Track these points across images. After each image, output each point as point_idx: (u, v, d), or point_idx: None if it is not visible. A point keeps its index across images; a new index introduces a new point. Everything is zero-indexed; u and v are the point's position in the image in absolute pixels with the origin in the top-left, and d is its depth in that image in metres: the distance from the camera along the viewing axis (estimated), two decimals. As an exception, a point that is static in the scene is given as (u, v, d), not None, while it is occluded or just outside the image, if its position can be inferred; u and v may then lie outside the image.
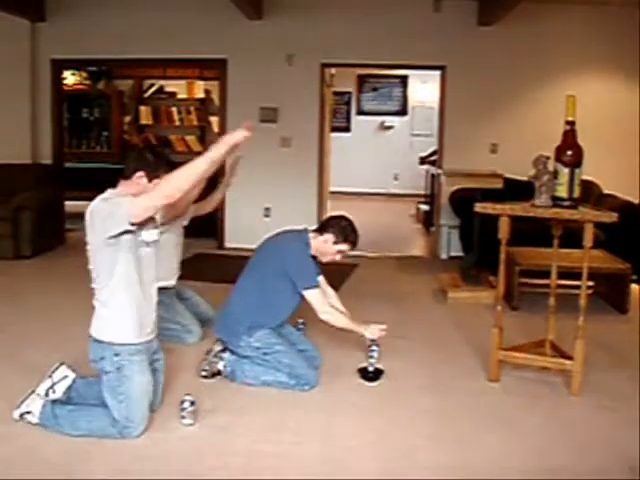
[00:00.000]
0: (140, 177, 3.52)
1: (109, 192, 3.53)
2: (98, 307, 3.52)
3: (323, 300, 4.27)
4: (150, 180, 3.51)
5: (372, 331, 4.32)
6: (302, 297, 4.27)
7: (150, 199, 3.30)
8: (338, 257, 4.39)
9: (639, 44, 7.83)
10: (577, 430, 3.72)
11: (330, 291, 4.59)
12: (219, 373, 4.27)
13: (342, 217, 4.46)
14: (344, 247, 4.36)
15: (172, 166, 3.55)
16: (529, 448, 3.48)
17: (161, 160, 3.62)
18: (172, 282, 5.03)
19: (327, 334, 4.70)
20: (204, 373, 4.27)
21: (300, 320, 4.92)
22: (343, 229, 4.35)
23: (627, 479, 3.21)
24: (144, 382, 3.50)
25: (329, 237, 4.33)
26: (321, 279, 4.47)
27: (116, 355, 3.44)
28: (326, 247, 4.34)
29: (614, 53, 8.11)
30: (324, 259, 4.41)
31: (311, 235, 4.37)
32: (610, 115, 8.17)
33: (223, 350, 4.33)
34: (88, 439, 3.41)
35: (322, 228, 4.40)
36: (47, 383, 3.64)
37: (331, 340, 4.78)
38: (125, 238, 3.37)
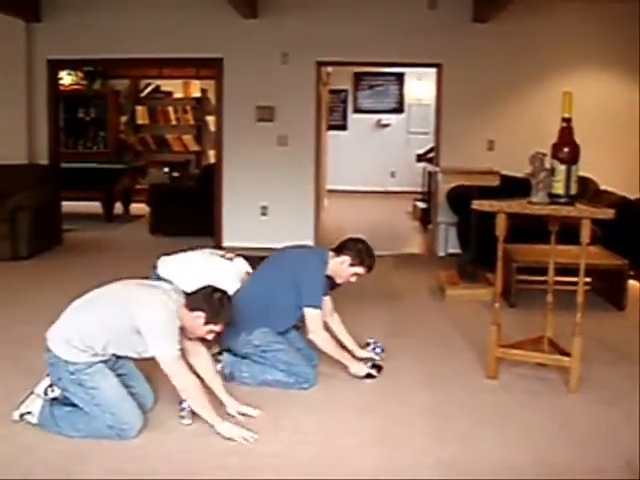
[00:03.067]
0: (199, 317, 3.55)
1: (179, 300, 3.57)
2: (66, 322, 3.57)
3: (319, 323, 4.27)
4: (206, 323, 3.55)
5: (357, 369, 4.32)
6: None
7: (174, 375, 3.45)
8: (353, 279, 4.42)
9: (639, 40, 7.84)
10: (575, 426, 3.73)
11: (335, 315, 4.59)
12: None
13: (360, 240, 4.47)
14: (360, 270, 4.37)
15: (233, 315, 3.71)
16: (527, 445, 3.49)
17: (224, 310, 3.62)
18: None
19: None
20: None
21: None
22: (360, 252, 4.37)
23: (625, 474, 3.21)
24: (113, 385, 3.51)
25: (346, 259, 4.34)
26: (327, 299, 4.49)
27: (72, 374, 3.45)
28: (342, 269, 4.36)
29: (611, 49, 8.13)
30: (339, 280, 4.43)
31: (330, 254, 4.39)
32: (606, 111, 8.17)
33: (220, 352, 4.34)
34: (87, 439, 3.42)
35: (339, 249, 4.40)
36: (45, 382, 3.64)
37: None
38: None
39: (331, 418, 3.79)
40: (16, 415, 3.56)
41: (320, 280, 4.31)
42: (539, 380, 4.33)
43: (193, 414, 3.59)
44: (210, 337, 3.66)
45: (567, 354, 4.18)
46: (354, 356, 4.44)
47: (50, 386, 3.63)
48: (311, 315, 4.23)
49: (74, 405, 3.53)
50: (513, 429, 3.67)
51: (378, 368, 4.40)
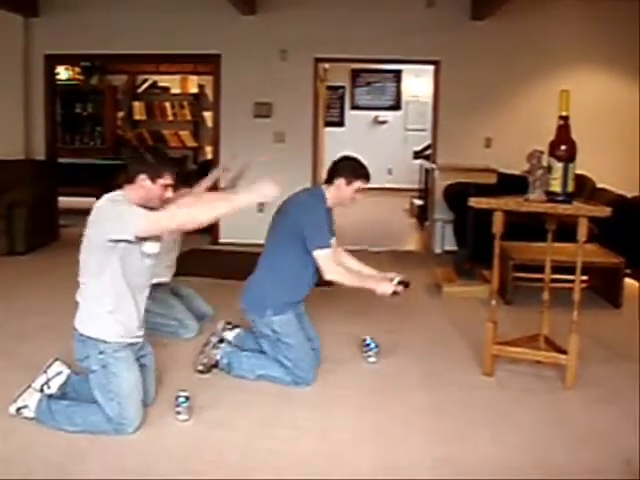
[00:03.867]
0: (143, 180, 3.49)
1: (117, 194, 3.51)
2: (82, 303, 3.53)
3: (331, 260, 4.15)
4: (153, 181, 3.50)
5: (384, 288, 4.20)
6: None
7: (164, 221, 3.35)
8: (357, 196, 4.29)
9: (639, 38, 7.85)
10: (572, 424, 3.74)
11: (340, 249, 4.50)
12: (216, 365, 4.26)
13: (344, 157, 4.37)
14: (358, 183, 4.25)
15: (174, 163, 3.60)
16: (524, 442, 3.49)
17: (162, 160, 3.58)
18: (167, 279, 5.03)
19: (324, 331, 4.69)
20: (201, 367, 4.27)
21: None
22: (350, 167, 4.27)
23: (622, 471, 3.23)
24: (132, 378, 3.50)
25: (340, 181, 4.23)
26: (333, 242, 4.36)
27: (101, 353, 3.45)
28: (341, 192, 4.25)
29: (609, 47, 8.13)
30: (346, 204, 4.31)
31: (324, 187, 4.31)
32: (604, 109, 8.19)
33: (220, 341, 4.34)
34: (84, 435, 3.41)
35: (330, 177, 4.29)
36: (42, 379, 3.64)
37: (327, 336, 4.77)
38: (122, 245, 3.38)
39: (329, 415, 3.79)
40: (12, 409, 3.56)
41: (321, 219, 4.19)
42: (535, 377, 4.34)
43: (189, 410, 3.60)
44: (169, 194, 3.56)
45: (563, 351, 4.19)
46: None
47: (46, 383, 3.63)
48: (321, 256, 4.10)
49: (72, 399, 3.55)
50: (510, 426, 3.68)
51: (405, 284, 4.29)
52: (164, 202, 3.58)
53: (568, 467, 3.27)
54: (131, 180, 3.52)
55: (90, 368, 3.49)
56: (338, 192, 4.26)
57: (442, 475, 3.18)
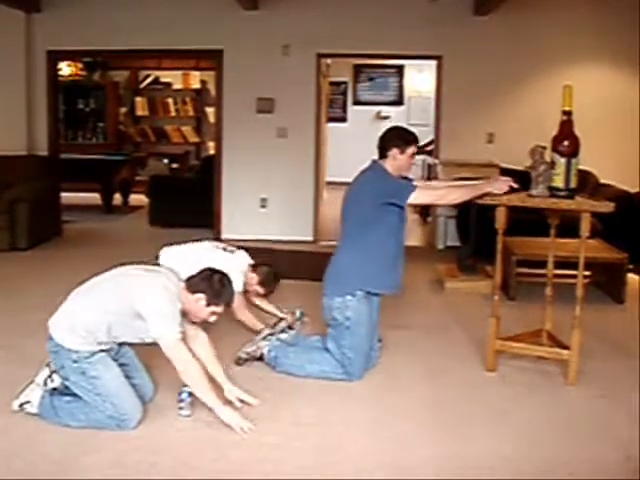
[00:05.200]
0: (200, 299, 3.55)
1: (179, 281, 3.60)
2: (66, 312, 3.57)
3: (428, 192, 4.24)
4: (207, 305, 3.56)
5: (499, 186, 4.11)
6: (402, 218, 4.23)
7: (176, 357, 3.42)
8: (413, 160, 4.30)
9: (639, 33, 7.84)
10: (573, 419, 3.74)
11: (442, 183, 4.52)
12: (261, 358, 4.29)
13: (389, 129, 4.37)
14: (411, 149, 4.25)
15: (232, 298, 3.78)
16: (525, 437, 3.50)
17: (225, 293, 3.64)
18: None
19: (323, 327, 4.69)
20: (244, 355, 4.30)
21: (299, 311, 4.95)
22: (399, 136, 4.27)
23: (623, 468, 3.22)
24: (114, 374, 3.52)
25: (394, 152, 4.21)
26: (422, 184, 4.42)
27: (75, 362, 3.45)
28: (397, 161, 4.23)
29: (612, 42, 8.10)
30: (405, 172, 4.30)
31: (381, 162, 4.29)
32: (607, 105, 8.16)
33: (272, 334, 4.37)
34: (86, 430, 3.42)
35: (383, 150, 4.26)
36: (45, 372, 3.65)
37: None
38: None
39: (331, 411, 3.80)
40: (15, 405, 3.57)
41: (393, 179, 4.20)
42: (538, 373, 4.34)
43: (192, 405, 3.61)
44: (212, 319, 3.65)
45: (566, 347, 4.19)
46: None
47: (49, 376, 3.63)
48: (418, 196, 4.10)
49: (74, 395, 3.54)
50: (511, 422, 3.68)
51: (515, 180, 4.19)
52: (203, 322, 3.68)
53: (570, 463, 3.27)
54: (190, 289, 3.57)
55: (69, 378, 3.50)
56: (394, 162, 4.24)
57: (445, 470, 3.18)
